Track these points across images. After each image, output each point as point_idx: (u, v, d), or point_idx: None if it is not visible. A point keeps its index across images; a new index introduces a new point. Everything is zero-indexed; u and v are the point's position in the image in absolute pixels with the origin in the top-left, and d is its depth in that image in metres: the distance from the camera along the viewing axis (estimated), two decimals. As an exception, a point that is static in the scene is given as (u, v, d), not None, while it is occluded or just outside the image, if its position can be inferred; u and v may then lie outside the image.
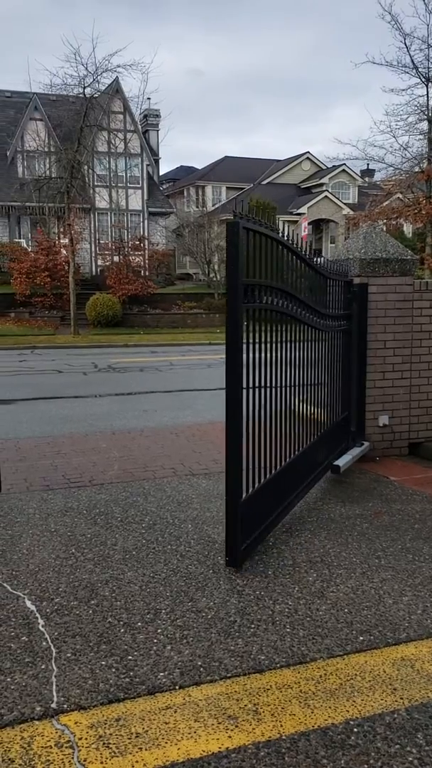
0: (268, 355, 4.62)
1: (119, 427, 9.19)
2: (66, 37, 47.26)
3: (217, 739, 2.70)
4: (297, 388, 5.36)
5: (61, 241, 31.48)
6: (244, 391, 4.21)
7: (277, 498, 4.98)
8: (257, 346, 4.39)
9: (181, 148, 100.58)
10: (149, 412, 10.47)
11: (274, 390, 4.78)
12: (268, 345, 4.62)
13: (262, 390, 4.52)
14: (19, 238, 35.23)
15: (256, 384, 4.41)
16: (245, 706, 2.92)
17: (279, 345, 4.82)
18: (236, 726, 2.78)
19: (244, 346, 4.19)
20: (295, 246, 5.15)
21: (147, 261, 34.26)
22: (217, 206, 45.43)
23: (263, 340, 4.50)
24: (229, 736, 2.71)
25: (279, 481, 4.95)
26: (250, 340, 4.28)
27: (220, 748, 2.64)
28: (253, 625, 3.61)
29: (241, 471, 4.21)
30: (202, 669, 3.20)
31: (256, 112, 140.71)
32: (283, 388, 5.00)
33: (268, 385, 4.65)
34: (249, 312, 4.29)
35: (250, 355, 4.28)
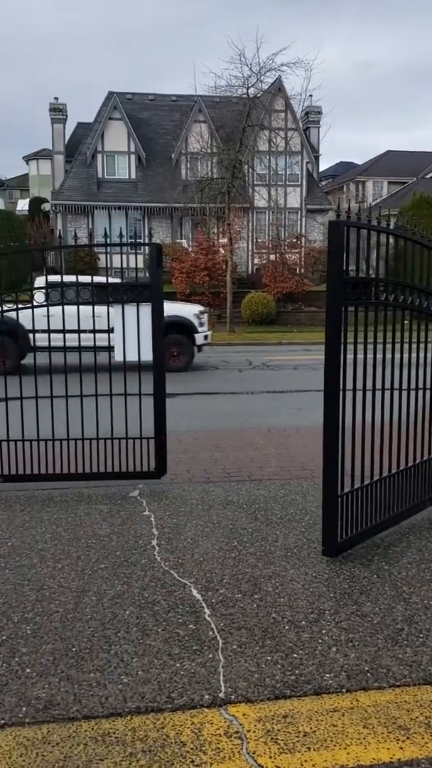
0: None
1: (274, 424, 9.22)
2: (231, 39, 47.93)
3: (388, 748, 2.62)
4: (416, 391, 5.17)
5: (220, 240, 32.13)
6: (357, 393, 4.31)
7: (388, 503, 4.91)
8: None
9: (342, 143, 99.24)
10: (304, 411, 10.41)
11: (386, 392, 4.73)
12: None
13: (375, 392, 4.54)
14: (181, 238, 36.38)
15: (361, 386, 4.46)
16: (416, 717, 2.82)
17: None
18: (408, 738, 2.69)
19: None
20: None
21: (303, 259, 34.13)
22: (377, 201, 44.37)
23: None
24: (401, 748, 2.63)
25: (389, 487, 4.89)
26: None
27: (391, 758, 2.57)
28: (422, 635, 3.48)
29: (337, 466, 4.35)
30: (369, 674, 3.12)
31: (424, 106, 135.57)
32: (398, 391, 4.92)
33: (381, 387, 4.63)
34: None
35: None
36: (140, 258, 6.42)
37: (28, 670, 3.15)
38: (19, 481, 6.08)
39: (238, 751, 2.60)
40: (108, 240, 6.29)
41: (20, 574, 4.24)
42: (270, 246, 34.71)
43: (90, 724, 2.77)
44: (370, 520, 4.72)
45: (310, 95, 44.80)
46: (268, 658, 3.26)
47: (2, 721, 2.79)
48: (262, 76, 27.97)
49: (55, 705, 2.90)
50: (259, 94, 29.24)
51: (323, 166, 54.87)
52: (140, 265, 6.57)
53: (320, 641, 3.41)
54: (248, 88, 27.87)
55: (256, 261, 36.75)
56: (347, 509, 4.50)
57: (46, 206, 39.14)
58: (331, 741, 2.66)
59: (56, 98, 38.43)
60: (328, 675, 3.12)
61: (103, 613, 3.71)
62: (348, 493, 4.50)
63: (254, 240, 37.44)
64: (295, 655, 3.28)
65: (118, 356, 6.19)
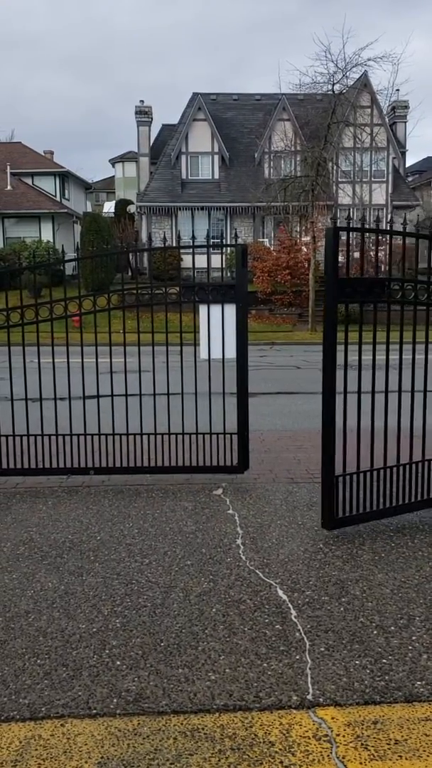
0: None
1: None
2: (317, 36, 47.59)
3: None
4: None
5: (303, 239, 31.89)
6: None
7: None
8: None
9: (430, 138, 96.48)
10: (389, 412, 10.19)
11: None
12: None
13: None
14: (263, 237, 36.33)
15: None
16: None
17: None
18: None
19: None
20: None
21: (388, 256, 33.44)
22: (466, 198, 42.96)
23: None
24: None
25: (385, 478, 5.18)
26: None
27: None
28: None
29: (334, 449, 4.94)
30: (462, 686, 3.03)
31: None
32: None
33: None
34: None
35: None
36: (220, 258, 6.46)
37: (118, 663, 3.22)
38: (109, 473, 6.24)
39: (328, 755, 2.57)
40: (193, 241, 6.35)
41: (109, 568, 4.34)
42: (353, 244, 34.17)
43: (179, 718, 2.81)
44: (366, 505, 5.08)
45: (397, 90, 43.95)
46: (357, 662, 3.22)
47: (94, 711, 2.86)
48: (348, 72, 27.59)
49: (145, 698, 2.95)
50: (344, 90, 28.83)
51: (410, 161, 53.62)
52: (220, 264, 6.61)
53: (410, 647, 3.34)
54: (333, 85, 27.54)
55: (339, 259, 36.23)
56: (344, 490, 4.97)
57: (132, 208, 39.88)
58: (425, 751, 2.60)
59: (142, 101, 39.12)
60: (419, 683, 3.04)
61: (190, 610, 3.75)
62: (343, 475, 4.98)
63: (338, 238, 36.90)
64: (384, 661, 3.22)
65: (203, 354, 6.27)
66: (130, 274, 29.71)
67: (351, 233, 4.94)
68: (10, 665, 3.22)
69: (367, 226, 5.22)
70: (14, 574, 4.27)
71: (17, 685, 3.06)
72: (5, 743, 2.67)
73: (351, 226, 4.90)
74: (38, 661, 3.26)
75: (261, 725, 2.76)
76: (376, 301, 5.22)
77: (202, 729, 2.74)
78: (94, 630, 3.54)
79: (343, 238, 4.95)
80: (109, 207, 46.47)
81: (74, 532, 5.00)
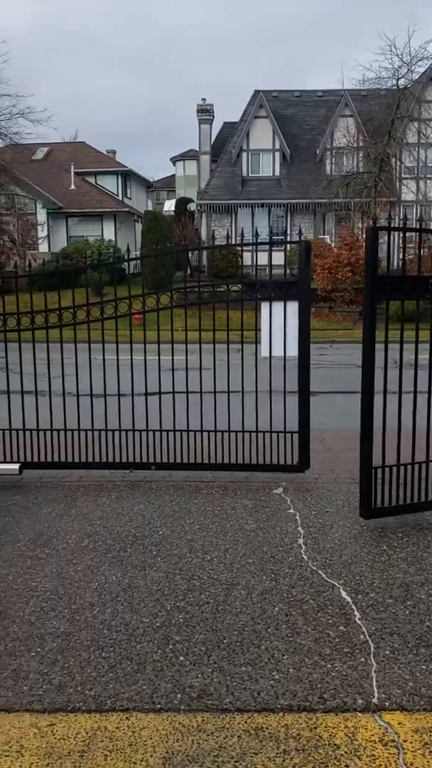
0: None
1: (422, 426, 8.86)
2: (381, 30, 46.77)
3: None
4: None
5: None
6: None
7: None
8: None
9: None
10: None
11: None
12: None
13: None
14: (323, 234, 35.98)
15: None
16: None
17: None
18: None
19: None
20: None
21: (453, 253, 32.67)
22: None
23: None
24: None
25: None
26: None
27: None
28: None
29: (372, 440, 5.11)
30: None
31: None
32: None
33: None
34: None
35: None
36: (281, 255, 6.42)
37: (181, 658, 3.24)
38: (170, 469, 6.28)
39: (395, 761, 2.53)
40: (256, 238, 6.32)
41: (171, 563, 4.37)
42: (417, 240, 33.53)
43: (243, 717, 2.80)
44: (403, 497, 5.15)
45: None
46: (423, 667, 3.15)
47: (158, 706, 2.88)
48: (413, 66, 27.08)
49: (209, 695, 2.95)
50: (409, 85, 28.31)
51: None
52: (281, 262, 6.57)
53: None
54: (398, 79, 27.09)
55: (402, 256, 35.59)
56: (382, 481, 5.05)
57: (192, 206, 40.06)
58: None
59: (203, 99, 39.20)
60: None
61: (253, 608, 3.74)
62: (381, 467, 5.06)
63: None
64: (452, 668, 3.14)
65: (264, 352, 6.25)
66: (189, 272, 29.86)
67: (397, 233, 5.17)
68: (76, 657, 3.28)
69: (410, 226, 5.44)
70: (79, 567, 4.34)
71: (83, 677, 3.11)
72: (72, 733, 2.72)
73: (391, 225, 5.16)
74: (103, 653, 3.30)
75: (326, 727, 2.73)
76: (419, 298, 5.37)
77: (266, 728, 2.72)
78: (158, 624, 3.57)
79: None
80: (169, 205, 46.82)
81: (137, 526, 5.05)
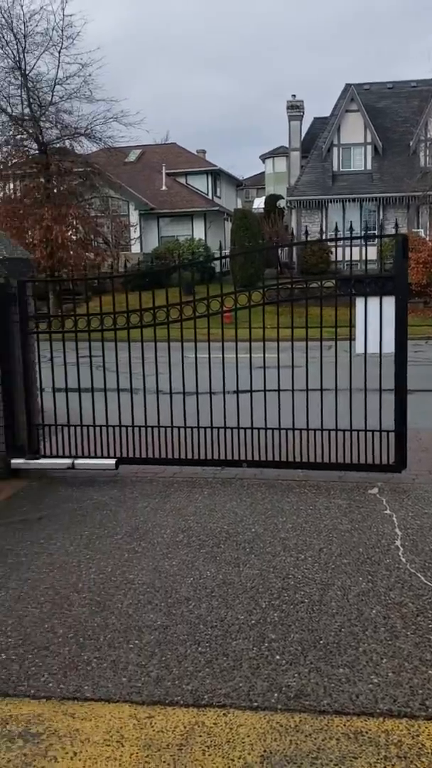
0: None
1: None
2: None
3: None
4: None
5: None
6: None
7: None
8: None
9: None
10: None
11: None
12: None
13: None
14: (417, 227, 35.02)
15: None
16: None
17: None
18: None
19: None
20: None
21: None
22: None
23: None
24: None
25: None
26: None
27: None
28: None
29: None
30: None
31: None
32: None
33: None
34: None
35: None
36: (373, 250, 6.26)
37: (277, 657, 3.22)
38: (261, 467, 6.26)
39: None
40: (351, 233, 6.21)
41: (265, 561, 4.36)
42: None
43: (341, 719, 2.75)
44: None
45: None
46: None
47: (255, 704, 2.87)
48: None
49: (306, 695, 2.92)
50: None
51: None
52: (373, 257, 6.41)
53: None
54: None
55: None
56: None
57: (281, 203, 39.86)
58: None
59: (293, 95, 38.93)
60: None
61: (349, 609, 3.67)
62: None
63: None
64: None
65: (359, 349, 6.14)
66: (279, 269, 29.74)
67: None
68: (173, 651, 3.31)
69: None
70: (174, 561, 4.39)
71: (180, 671, 3.14)
72: (170, 726, 2.75)
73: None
74: (199, 648, 3.32)
75: (428, 735, 2.64)
76: None
77: (366, 732, 2.66)
78: (253, 622, 3.56)
79: None
80: (258, 203, 46.79)
81: (230, 523, 5.07)
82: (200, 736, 2.68)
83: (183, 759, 2.55)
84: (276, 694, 2.93)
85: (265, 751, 2.57)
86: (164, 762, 2.53)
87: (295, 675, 3.07)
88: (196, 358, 6.27)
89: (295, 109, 39.19)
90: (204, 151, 46.95)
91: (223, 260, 6.18)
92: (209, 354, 6.24)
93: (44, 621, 3.66)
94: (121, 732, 2.72)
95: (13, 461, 6.41)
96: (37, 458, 6.52)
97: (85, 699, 2.96)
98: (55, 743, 2.67)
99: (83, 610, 3.77)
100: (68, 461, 6.43)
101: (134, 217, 36.52)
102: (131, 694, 2.98)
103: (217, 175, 42.65)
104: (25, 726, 2.79)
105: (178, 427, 6.47)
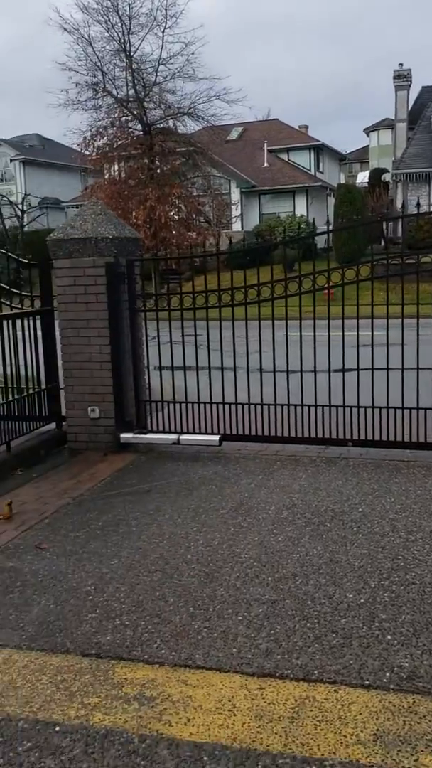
0: None
1: None
2: None
3: None
4: None
5: None
6: None
7: None
8: None
9: None
10: None
11: None
12: None
13: None
14: None
15: None
16: None
17: None
18: None
19: None
20: None
21: None
22: None
23: None
24: None
25: None
26: None
27: None
28: None
29: None
30: None
31: None
32: None
33: None
34: None
35: None
36: None
37: (389, 637, 3.17)
38: (367, 446, 6.16)
39: None
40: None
41: (373, 540, 4.29)
42: None
43: (457, 704, 2.69)
44: None
45: None
46: None
47: (367, 682, 2.85)
48: None
49: (419, 677, 2.86)
50: None
51: None
52: None
53: None
54: None
55: None
56: None
57: (386, 176, 38.68)
58: None
59: (401, 64, 37.53)
60: None
61: (463, 593, 3.56)
62: None
63: None
64: None
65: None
66: (384, 244, 28.93)
67: None
68: (282, 625, 3.33)
69: None
70: (279, 537, 4.40)
71: (289, 645, 3.15)
72: (281, 699, 2.77)
73: None
74: (308, 624, 3.32)
75: None
76: None
77: None
78: (362, 601, 3.52)
79: None
80: (363, 177, 45.58)
81: (335, 502, 5.02)
82: (311, 710, 2.68)
83: (294, 732, 2.56)
84: (388, 674, 2.89)
85: (378, 729, 2.55)
86: (276, 734, 2.56)
87: (407, 656, 3.01)
88: (300, 335, 6.20)
89: (402, 78, 37.81)
90: (306, 126, 46.21)
91: (326, 236, 6.06)
92: (314, 332, 6.16)
93: (155, 589, 3.77)
94: (233, 701, 2.76)
95: (123, 435, 6.60)
96: (145, 433, 6.68)
97: (197, 667, 3.02)
98: (168, 708, 2.75)
99: (192, 580, 3.85)
100: (174, 437, 6.55)
101: (235, 195, 36.48)
102: (241, 665, 3.02)
103: (320, 150, 41.88)
104: (139, 689, 2.88)
105: (282, 405, 6.44)
